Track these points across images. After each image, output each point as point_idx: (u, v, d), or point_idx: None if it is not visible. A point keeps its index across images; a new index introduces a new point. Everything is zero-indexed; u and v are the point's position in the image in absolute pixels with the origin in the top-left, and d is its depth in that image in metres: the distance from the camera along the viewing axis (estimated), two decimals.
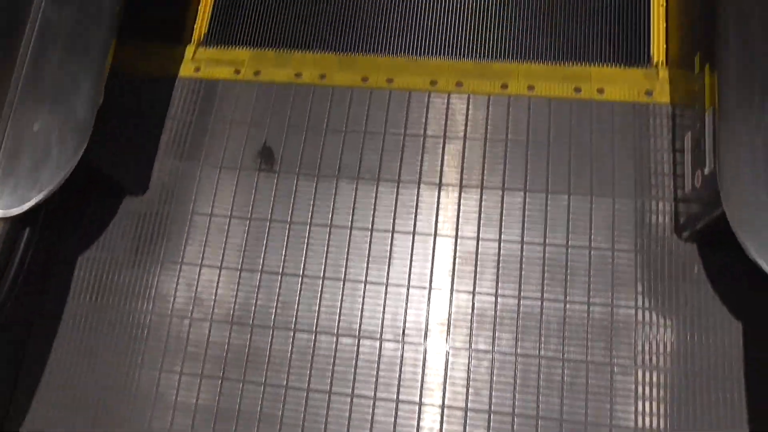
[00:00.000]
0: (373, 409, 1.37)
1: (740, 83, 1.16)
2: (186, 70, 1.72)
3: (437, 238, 1.49)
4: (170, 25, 1.73)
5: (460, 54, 1.65)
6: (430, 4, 1.71)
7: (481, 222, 1.48)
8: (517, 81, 1.60)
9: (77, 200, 1.58)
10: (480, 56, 1.64)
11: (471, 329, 1.41)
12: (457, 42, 1.67)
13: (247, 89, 1.68)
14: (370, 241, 1.50)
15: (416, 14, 1.71)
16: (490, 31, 1.66)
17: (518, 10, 1.67)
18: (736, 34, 1.19)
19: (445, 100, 1.60)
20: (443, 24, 1.69)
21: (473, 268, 1.45)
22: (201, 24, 1.79)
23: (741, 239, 1.07)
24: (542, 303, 1.41)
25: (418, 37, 1.69)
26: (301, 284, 1.49)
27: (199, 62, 1.73)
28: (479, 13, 1.68)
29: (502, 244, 1.46)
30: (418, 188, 1.53)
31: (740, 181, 1.11)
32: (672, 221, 1.43)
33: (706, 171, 1.22)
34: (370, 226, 1.51)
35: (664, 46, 1.59)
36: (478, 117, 1.57)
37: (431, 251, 1.48)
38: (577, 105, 1.55)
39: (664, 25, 1.60)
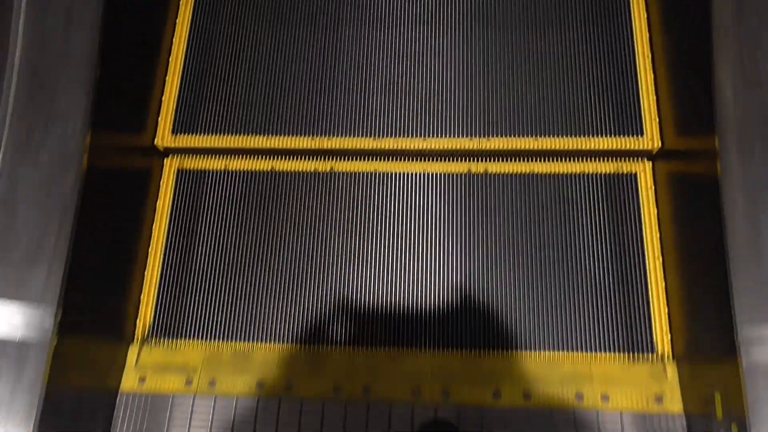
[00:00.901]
0: None
1: None
2: (129, 381, 1.48)
3: None
4: (109, 319, 1.49)
5: (440, 345, 1.47)
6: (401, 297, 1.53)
7: None
8: (510, 386, 1.41)
9: None
10: (465, 348, 1.46)
11: None
12: (439, 333, 1.48)
13: (202, 405, 1.45)
14: None
15: (387, 306, 1.52)
16: (475, 322, 1.49)
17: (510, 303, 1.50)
18: None
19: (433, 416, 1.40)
20: (421, 317, 1.51)
21: None
22: (145, 314, 1.56)
23: None
24: None
25: (396, 329, 1.50)
26: None
27: (144, 369, 1.49)
28: (462, 307, 1.50)
29: None
30: None
31: None
32: None
33: None
34: None
35: (669, 333, 1.44)
36: None
37: None
38: (581, 417, 1.37)
39: (666, 311, 1.45)
